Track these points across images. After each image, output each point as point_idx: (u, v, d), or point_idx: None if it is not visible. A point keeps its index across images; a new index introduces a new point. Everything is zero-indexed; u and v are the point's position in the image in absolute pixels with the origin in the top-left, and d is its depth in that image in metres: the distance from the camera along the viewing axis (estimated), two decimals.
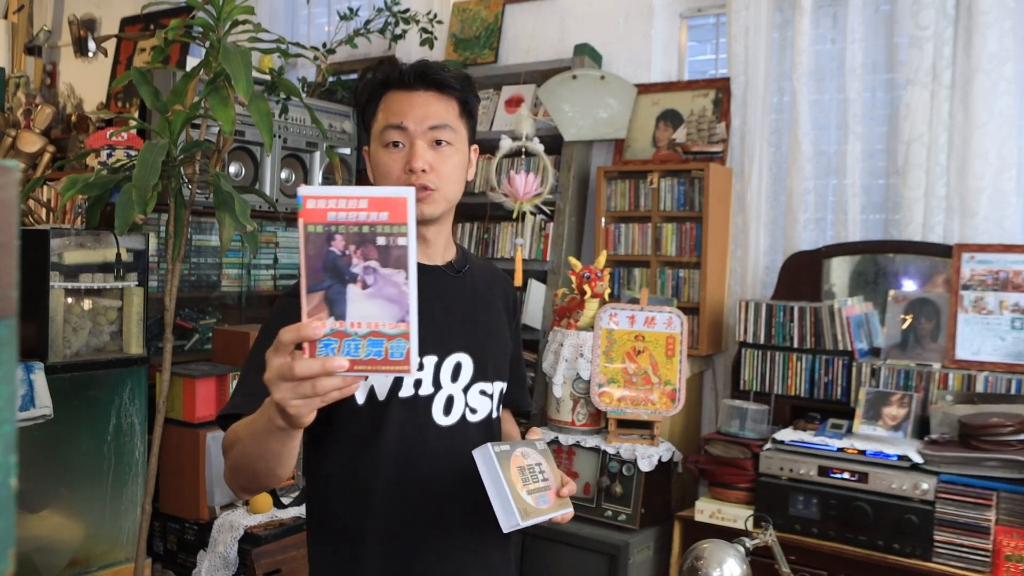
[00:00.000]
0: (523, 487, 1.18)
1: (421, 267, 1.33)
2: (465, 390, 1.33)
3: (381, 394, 1.27)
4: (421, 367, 1.28)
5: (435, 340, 1.29)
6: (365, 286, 0.88)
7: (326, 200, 0.87)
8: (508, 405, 1.50)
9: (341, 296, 0.88)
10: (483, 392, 1.35)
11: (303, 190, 0.87)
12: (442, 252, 1.37)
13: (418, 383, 1.28)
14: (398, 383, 1.27)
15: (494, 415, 1.38)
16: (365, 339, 0.88)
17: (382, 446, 1.27)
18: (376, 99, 1.32)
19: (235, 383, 1.27)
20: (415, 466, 1.28)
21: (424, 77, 1.29)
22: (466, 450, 1.30)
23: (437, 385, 1.30)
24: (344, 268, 0.88)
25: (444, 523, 1.29)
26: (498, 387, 1.38)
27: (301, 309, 0.88)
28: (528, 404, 1.57)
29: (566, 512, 1.25)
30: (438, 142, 1.28)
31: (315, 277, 0.88)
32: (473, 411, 1.34)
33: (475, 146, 1.39)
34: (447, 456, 1.30)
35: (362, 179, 3.61)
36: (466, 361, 1.33)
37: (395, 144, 1.28)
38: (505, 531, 1.16)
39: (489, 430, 1.37)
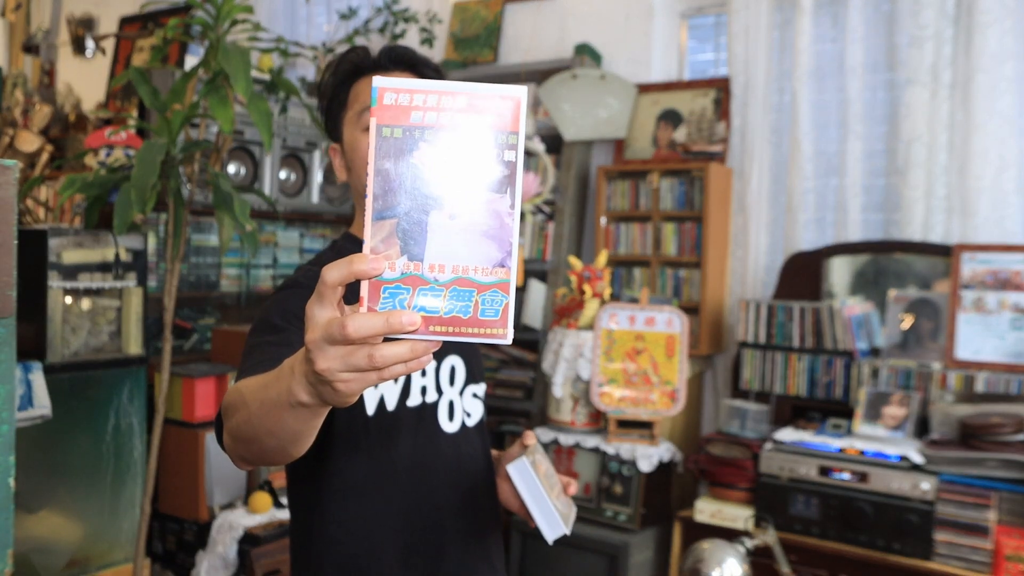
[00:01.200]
0: (551, 494, 1.17)
1: None
2: (461, 393, 1.31)
3: (391, 403, 1.22)
4: (423, 372, 1.24)
5: None
6: (455, 215, 0.64)
7: (410, 95, 0.63)
8: None
9: (420, 227, 0.64)
10: (475, 395, 1.34)
11: (379, 80, 0.64)
12: None
13: (424, 389, 1.25)
14: (406, 390, 1.23)
15: (484, 418, 1.37)
16: (448, 288, 0.64)
17: (396, 460, 1.22)
18: (346, 88, 1.26)
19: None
20: (430, 478, 1.24)
21: (400, 59, 1.25)
22: (469, 457, 1.29)
23: (439, 390, 1.28)
24: (428, 189, 0.64)
25: (462, 533, 1.27)
26: (482, 389, 1.37)
27: (364, 243, 0.64)
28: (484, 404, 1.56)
29: (574, 512, 1.25)
30: None
31: (387, 199, 0.63)
32: (468, 415, 1.32)
33: None
34: (456, 464, 1.27)
35: None
36: (459, 363, 1.31)
37: None
38: (550, 541, 1.14)
39: (483, 434, 1.35)
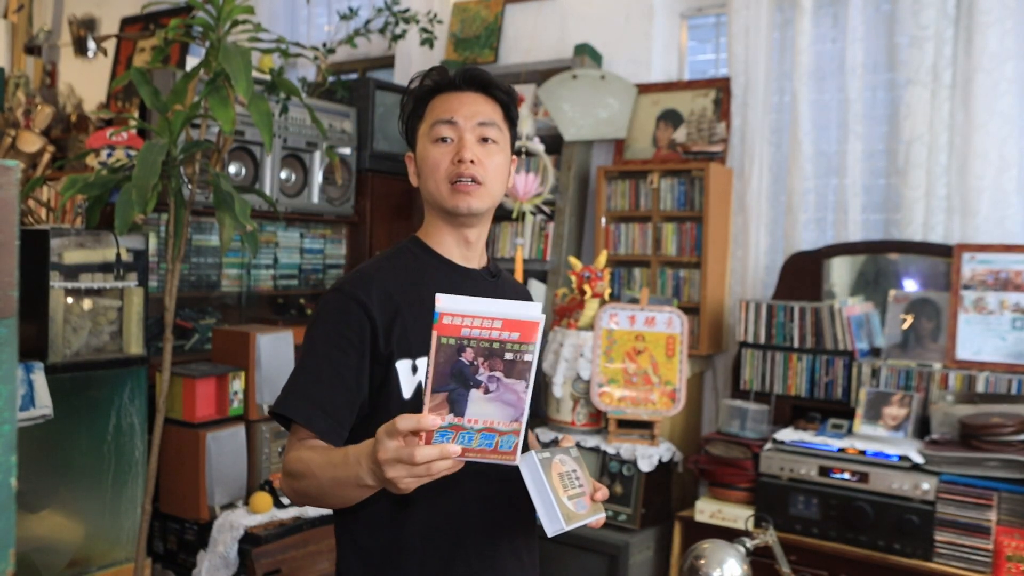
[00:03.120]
0: (564, 492, 1.21)
1: (463, 270, 1.36)
2: None
3: None
4: None
5: None
6: (487, 391, 0.97)
7: (463, 318, 0.94)
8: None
9: (463, 398, 0.96)
10: None
11: (441, 304, 0.93)
12: (479, 257, 1.41)
13: None
14: None
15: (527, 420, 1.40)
16: (479, 433, 0.98)
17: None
18: (424, 103, 1.37)
19: (289, 379, 1.29)
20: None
21: (473, 79, 1.35)
22: None
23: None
24: (470, 375, 0.96)
25: (484, 522, 1.32)
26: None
27: (424, 405, 0.97)
28: (543, 410, 1.60)
29: (599, 517, 1.26)
30: (485, 139, 1.33)
31: (442, 380, 0.96)
32: None
33: (514, 156, 1.43)
34: None
35: (362, 179, 3.61)
36: None
37: (444, 140, 1.32)
38: (550, 535, 1.18)
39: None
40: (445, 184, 1.31)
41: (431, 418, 0.95)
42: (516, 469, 1.33)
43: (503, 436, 0.98)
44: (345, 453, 1.10)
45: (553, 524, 1.17)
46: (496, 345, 0.96)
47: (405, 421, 0.97)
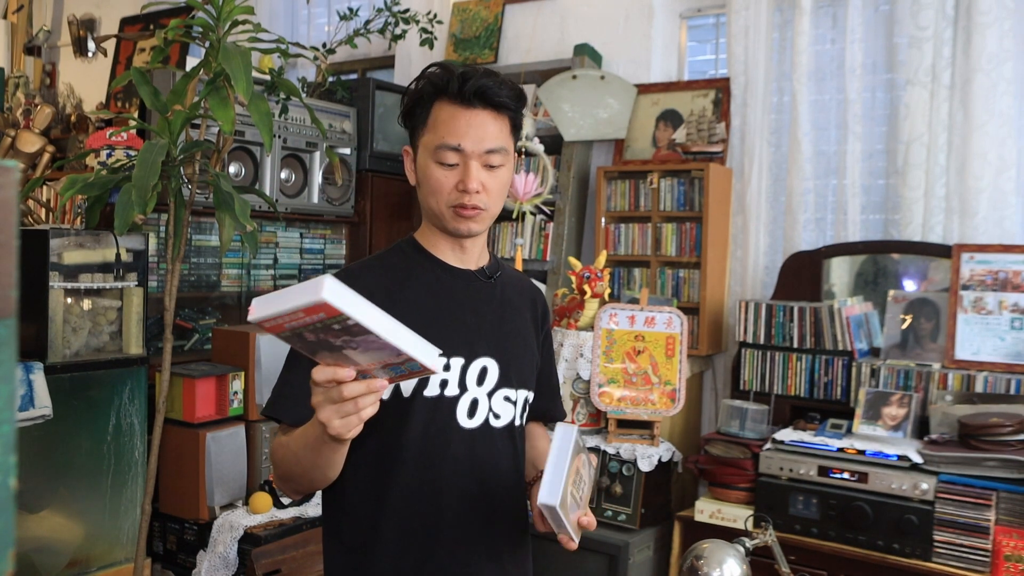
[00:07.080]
0: (571, 480, 1.19)
1: (455, 270, 1.34)
2: (490, 395, 1.34)
3: (406, 391, 1.28)
4: (448, 368, 1.30)
5: (464, 342, 1.31)
6: (354, 349, 0.95)
7: (275, 319, 0.91)
8: (541, 416, 1.52)
9: (344, 358, 0.97)
10: (507, 398, 1.36)
11: (253, 315, 0.91)
12: (476, 258, 1.39)
13: (444, 383, 1.30)
14: (423, 382, 1.29)
15: (517, 422, 1.38)
16: (385, 368, 0.99)
17: (405, 443, 1.28)
18: (427, 105, 1.31)
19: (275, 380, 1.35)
20: (437, 466, 1.29)
21: (484, 96, 1.28)
22: (487, 454, 1.32)
23: (463, 387, 1.31)
24: (330, 343, 0.95)
25: (461, 525, 1.30)
26: (522, 395, 1.38)
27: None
28: (561, 414, 1.58)
29: (575, 538, 1.23)
30: (491, 165, 1.29)
31: (320, 355, 0.98)
32: (496, 416, 1.35)
33: (515, 153, 1.40)
34: (468, 459, 1.31)
35: (362, 179, 3.61)
36: (492, 366, 1.34)
37: (449, 165, 1.28)
38: (542, 502, 1.14)
39: (512, 437, 1.37)
40: (447, 208, 1.29)
41: (345, 371, 0.97)
42: (499, 474, 1.32)
43: (407, 363, 0.97)
44: (313, 420, 1.11)
45: (551, 495, 1.14)
46: (318, 326, 0.90)
47: (320, 373, 0.99)
